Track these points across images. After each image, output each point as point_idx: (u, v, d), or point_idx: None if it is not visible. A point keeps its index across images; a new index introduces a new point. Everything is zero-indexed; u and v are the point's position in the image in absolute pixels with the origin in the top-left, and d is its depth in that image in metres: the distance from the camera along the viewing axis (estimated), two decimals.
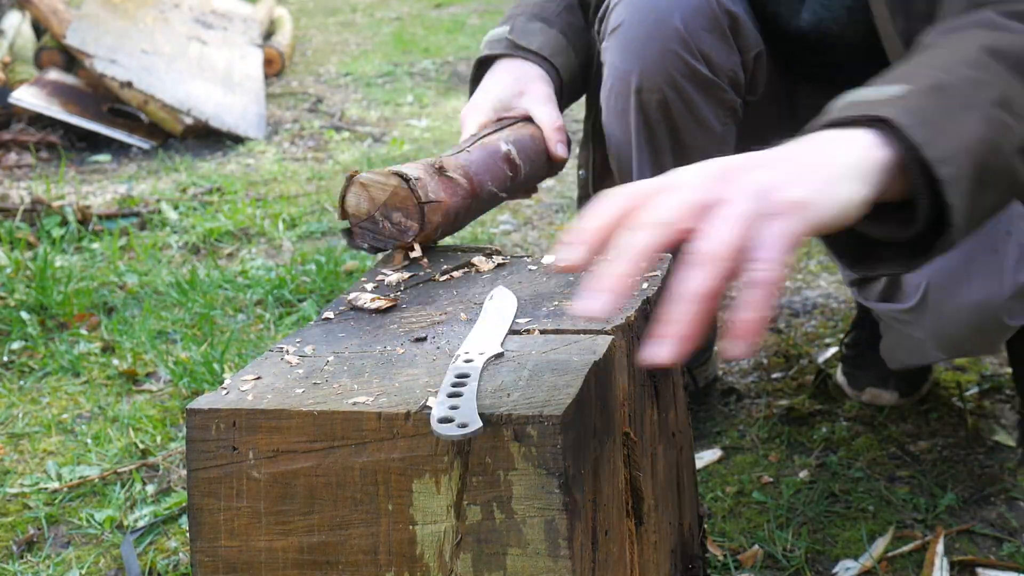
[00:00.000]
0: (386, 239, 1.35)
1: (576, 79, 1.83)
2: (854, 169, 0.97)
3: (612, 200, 0.90)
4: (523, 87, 1.70)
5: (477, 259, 1.35)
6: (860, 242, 1.10)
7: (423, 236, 1.35)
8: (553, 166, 1.68)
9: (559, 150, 1.64)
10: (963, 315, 1.58)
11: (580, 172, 2.02)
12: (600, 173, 1.94)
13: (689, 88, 1.69)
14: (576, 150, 2.01)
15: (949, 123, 1.05)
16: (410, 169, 1.35)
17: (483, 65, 1.78)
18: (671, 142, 1.74)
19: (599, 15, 1.77)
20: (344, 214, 1.35)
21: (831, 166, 0.96)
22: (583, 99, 1.96)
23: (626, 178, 1.81)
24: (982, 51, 1.17)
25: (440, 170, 1.37)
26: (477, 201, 1.44)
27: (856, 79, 1.81)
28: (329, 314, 1.23)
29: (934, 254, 1.07)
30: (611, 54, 1.71)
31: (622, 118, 1.73)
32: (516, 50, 1.75)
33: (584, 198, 2.03)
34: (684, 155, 1.76)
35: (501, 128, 1.61)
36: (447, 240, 1.52)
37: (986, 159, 1.08)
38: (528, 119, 1.67)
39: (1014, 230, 1.55)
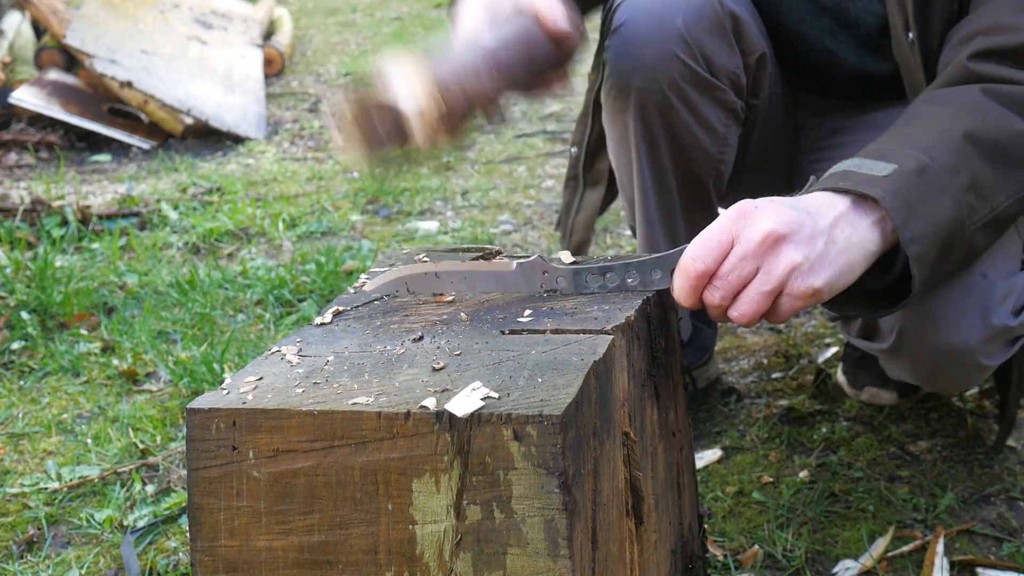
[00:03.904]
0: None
1: None
2: (860, 262, 1.26)
3: (692, 271, 1.21)
4: None
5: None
6: None
7: (433, 122, 1.27)
8: (561, 47, 1.42)
9: (560, 24, 1.39)
10: (938, 357, 1.58)
11: (572, 149, 2.01)
12: (593, 151, 1.93)
13: (689, 89, 1.69)
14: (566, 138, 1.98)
15: (924, 206, 1.29)
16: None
17: None
18: (669, 142, 1.74)
19: (603, 14, 1.77)
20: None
21: (846, 255, 1.25)
22: (586, 79, 1.95)
23: (623, 171, 1.81)
24: (963, 137, 1.36)
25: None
26: (470, 79, 1.31)
27: (852, 83, 1.82)
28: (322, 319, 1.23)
29: (896, 309, 1.34)
30: (612, 52, 1.71)
31: (621, 116, 1.73)
32: None
33: (573, 178, 2.02)
34: (682, 154, 1.76)
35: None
36: (447, 240, 1.52)
37: (951, 237, 1.33)
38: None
39: (990, 273, 1.54)
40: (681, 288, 1.22)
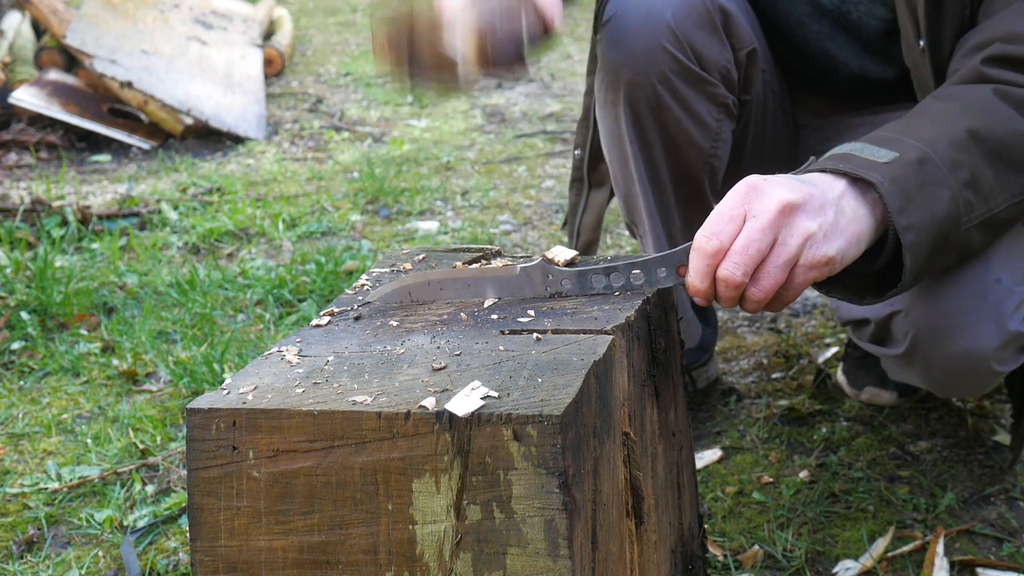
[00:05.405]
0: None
1: None
2: (864, 237, 1.27)
3: (708, 248, 1.20)
4: None
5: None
6: None
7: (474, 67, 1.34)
8: (548, 36, 1.56)
9: (556, 23, 1.52)
10: (952, 363, 1.55)
11: (576, 152, 2.01)
12: (596, 153, 1.94)
13: (678, 83, 1.69)
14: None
15: (922, 196, 1.30)
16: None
17: None
18: (660, 135, 1.74)
19: (595, 8, 1.77)
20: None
21: (855, 226, 1.26)
22: (585, 83, 1.95)
23: (617, 167, 1.81)
24: (967, 134, 1.36)
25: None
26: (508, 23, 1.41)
27: (853, 86, 1.82)
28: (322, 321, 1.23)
29: (885, 298, 1.34)
30: (603, 45, 1.71)
31: (612, 109, 1.73)
32: None
33: (577, 180, 2.02)
34: (674, 148, 1.76)
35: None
36: (447, 240, 1.52)
37: (946, 231, 1.33)
38: None
39: (1004, 277, 1.51)
40: (697, 269, 1.21)
